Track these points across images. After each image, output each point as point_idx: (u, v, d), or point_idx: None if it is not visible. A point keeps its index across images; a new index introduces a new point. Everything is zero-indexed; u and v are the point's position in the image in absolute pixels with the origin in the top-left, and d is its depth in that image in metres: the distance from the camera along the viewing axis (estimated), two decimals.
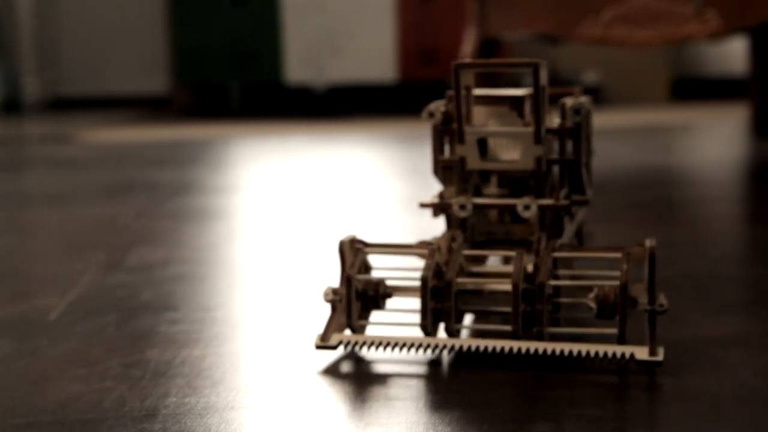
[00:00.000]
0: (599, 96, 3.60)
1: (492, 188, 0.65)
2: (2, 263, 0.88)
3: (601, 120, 2.59)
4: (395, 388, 0.52)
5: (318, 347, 0.57)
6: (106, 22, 3.93)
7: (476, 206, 0.63)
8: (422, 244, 0.60)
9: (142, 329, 0.65)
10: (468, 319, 0.66)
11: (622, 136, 2.09)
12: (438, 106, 0.66)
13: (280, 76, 3.45)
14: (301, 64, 3.45)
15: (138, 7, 3.92)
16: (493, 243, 0.66)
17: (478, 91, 0.65)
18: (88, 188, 1.41)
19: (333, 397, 0.51)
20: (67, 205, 1.25)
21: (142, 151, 1.99)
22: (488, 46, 1.69)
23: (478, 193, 0.65)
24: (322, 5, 3.41)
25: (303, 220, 1.08)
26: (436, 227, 1.01)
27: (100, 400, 0.51)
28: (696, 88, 3.82)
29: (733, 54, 3.73)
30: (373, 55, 3.45)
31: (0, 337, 0.64)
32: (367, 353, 0.59)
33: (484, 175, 0.66)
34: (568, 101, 0.63)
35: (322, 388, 0.52)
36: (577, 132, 0.63)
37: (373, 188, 1.33)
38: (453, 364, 0.56)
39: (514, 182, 0.66)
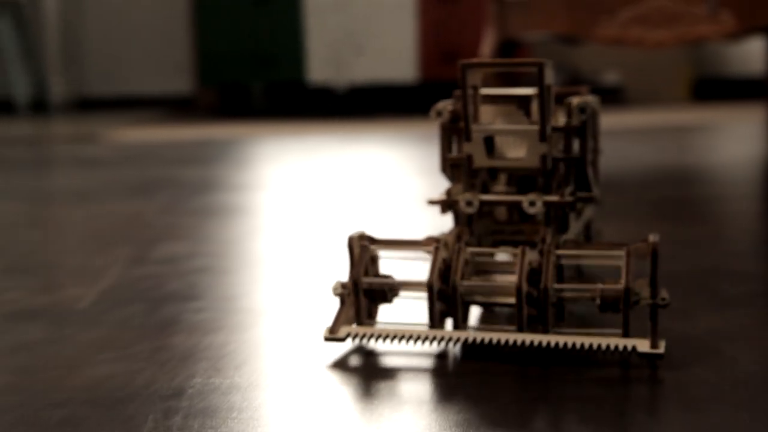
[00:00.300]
0: (619, 96, 3.61)
1: (500, 186, 0.67)
2: (33, 256, 0.92)
3: (621, 120, 2.60)
4: (402, 379, 0.54)
5: (326, 339, 0.59)
6: (131, 24, 3.98)
7: (483, 203, 0.64)
8: (429, 240, 0.62)
9: (168, 317, 0.68)
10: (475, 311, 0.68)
11: (641, 136, 2.11)
12: (446, 105, 0.67)
13: (302, 76, 3.48)
14: (323, 65, 3.48)
15: (162, 9, 3.97)
16: (500, 241, 0.68)
17: (486, 91, 0.67)
18: (114, 186, 1.45)
19: (340, 386, 0.54)
20: (94, 201, 1.28)
21: (167, 150, 2.03)
22: (507, 47, 1.72)
23: (486, 190, 0.67)
24: (344, 6, 3.45)
25: (322, 217, 1.11)
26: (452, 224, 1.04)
27: (130, 380, 0.54)
28: (717, 89, 3.82)
29: (754, 54, 3.73)
30: (394, 55, 3.48)
31: (33, 324, 0.67)
32: (375, 345, 0.61)
33: (493, 174, 0.67)
34: (574, 100, 0.65)
35: (333, 376, 0.55)
36: (583, 130, 0.65)
37: (392, 186, 1.36)
38: (459, 356, 0.58)
39: (522, 180, 0.67)
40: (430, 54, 3.45)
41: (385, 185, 1.37)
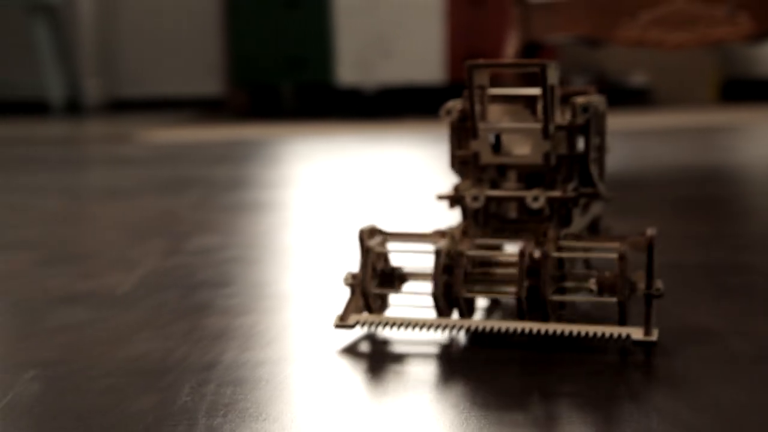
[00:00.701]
0: (647, 97, 3.63)
1: (510, 183, 0.69)
2: (72, 247, 0.97)
3: (648, 121, 2.63)
4: (409, 365, 0.59)
5: (336, 326, 0.62)
6: (164, 27, 4.05)
7: (489, 199, 0.67)
8: (436, 233, 0.65)
9: (201, 302, 0.73)
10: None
11: (667, 136, 2.13)
12: (455, 104, 0.69)
13: (331, 78, 3.53)
14: (352, 67, 3.53)
15: (194, 13, 4.03)
16: (508, 235, 0.70)
17: (494, 91, 0.70)
18: (148, 183, 1.50)
19: (354, 365, 0.58)
20: (129, 198, 1.34)
21: (199, 150, 2.08)
22: (530, 49, 1.75)
23: (495, 187, 0.69)
24: (373, 9, 3.49)
25: (346, 212, 1.16)
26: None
27: (167, 355, 0.59)
28: (746, 90, 3.82)
29: None
30: (422, 57, 3.52)
31: (77, 308, 0.72)
32: (384, 333, 0.64)
33: (502, 171, 0.70)
34: (579, 99, 0.68)
35: (348, 356, 0.59)
36: (586, 129, 0.67)
37: (415, 183, 1.40)
38: (465, 343, 0.62)
39: (529, 177, 0.70)
40: (457, 56, 3.49)
41: (409, 182, 1.41)
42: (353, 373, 0.55)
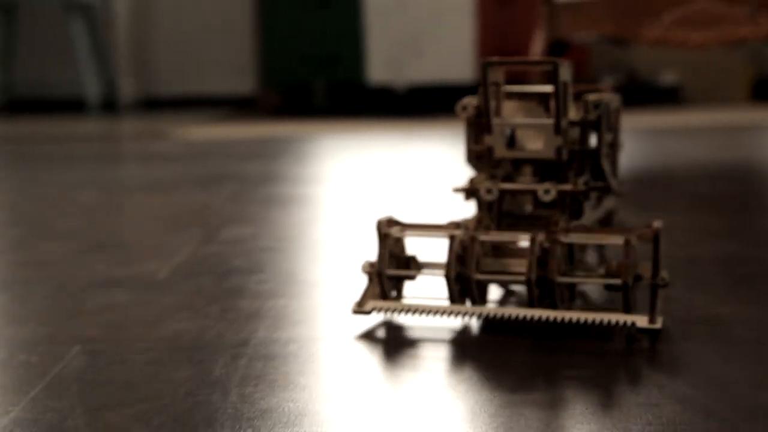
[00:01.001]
0: (677, 96, 3.64)
1: (526, 177, 0.72)
2: (113, 237, 1.02)
3: (677, 119, 2.65)
4: (423, 349, 0.62)
5: (354, 312, 0.65)
6: (198, 26, 4.11)
7: (504, 192, 0.70)
8: (450, 224, 0.67)
9: (235, 286, 0.77)
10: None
11: (696, 135, 2.15)
12: (471, 101, 0.72)
13: (363, 76, 3.57)
14: (383, 65, 3.57)
15: (227, 13, 4.09)
16: (521, 220, 0.72)
17: (510, 88, 0.73)
18: (183, 178, 1.55)
19: (376, 344, 0.62)
20: (165, 192, 1.39)
21: (232, 147, 2.13)
22: (556, 47, 1.78)
23: (511, 181, 0.71)
24: (404, 8, 3.53)
25: (376, 206, 1.19)
26: None
27: (202, 334, 0.63)
28: None
29: None
30: (452, 56, 3.55)
31: (118, 291, 0.76)
32: (400, 319, 0.67)
33: (517, 166, 0.72)
34: (591, 96, 0.71)
35: (373, 336, 0.63)
36: (597, 125, 0.70)
37: (443, 179, 1.44)
38: (477, 330, 0.65)
39: (544, 172, 0.72)
40: (486, 55, 3.52)
41: (436, 178, 1.45)
42: (373, 352, 0.59)
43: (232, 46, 4.10)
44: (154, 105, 4.14)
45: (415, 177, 1.47)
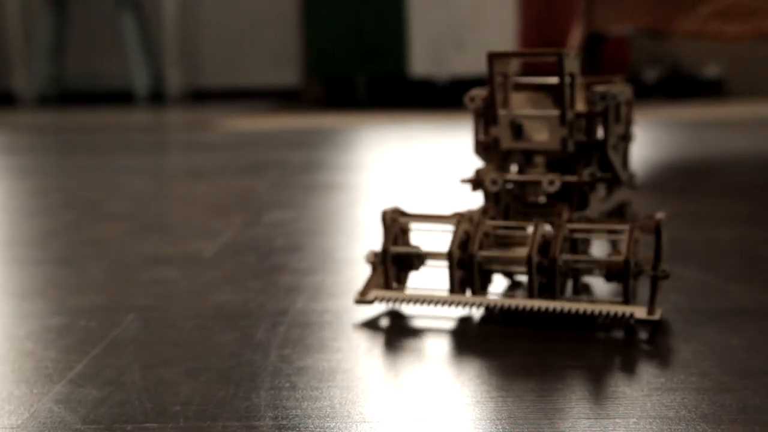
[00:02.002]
0: (721, 89, 3.64)
1: (539, 169, 0.72)
2: (163, 219, 1.07)
3: (720, 112, 2.66)
4: (426, 339, 0.61)
5: (356, 302, 0.66)
6: (243, 20, 4.18)
7: (511, 182, 0.70)
8: (455, 215, 0.67)
9: (277, 264, 0.82)
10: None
11: (738, 127, 2.17)
12: (479, 93, 0.71)
13: (405, 69, 3.61)
14: (425, 58, 3.61)
15: (272, 6, 4.16)
16: (528, 211, 0.72)
17: (518, 79, 0.73)
18: (228, 166, 1.61)
19: (397, 322, 0.66)
20: (211, 178, 1.44)
21: (275, 137, 2.19)
22: (594, 40, 1.82)
23: (521, 172, 0.71)
24: (446, 2, 3.56)
25: (412, 192, 1.24)
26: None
27: (245, 304, 0.68)
28: None
29: None
30: (494, 48, 3.58)
31: (167, 267, 0.82)
32: (406, 309, 0.67)
33: (528, 157, 0.72)
34: (599, 88, 0.70)
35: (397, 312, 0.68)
36: (604, 116, 0.69)
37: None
38: (478, 320, 0.64)
39: (554, 163, 0.72)
40: (529, 48, 3.54)
41: (473, 167, 1.49)
42: (392, 329, 0.64)
43: (277, 39, 4.17)
44: (200, 97, 4.22)
45: (452, 166, 1.52)
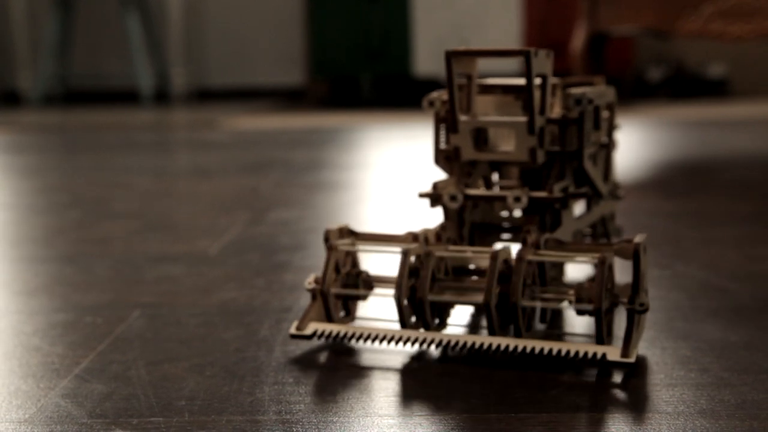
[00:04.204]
0: (725, 88, 3.64)
1: (512, 181, 0.65)
2: (168, 218, 1.08)
3: (725, 112, 2.66)
4: (372, 378, 0.53)
5: (292, 336, 0.57)
6: (248, 19, 4.19)
7: (474, 198, 0.61)
8: (408, 235, 0.60)
9: (280, 262, 0.83)
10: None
11: (740, 127, 2.17)
12: (439, 95, 0.64)
13: (409, 69, 3.62)
14: (429, 58, 3.62)
15: (277, 6, 4.16)
16: (495, 231, 0.65)
17: (488, 81, 0.65)
18: (232, 164, 1.62)
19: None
20: (215, 177, 1.45)
21: (280, 136, 2.20)
22: (597, 40, 1.82)
23: (488, 184, 0.64)
24: (450, 2, 3.57)
25: (414, 191, 1.25)
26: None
27: (250, 301, 0.69)
28: None
29: None
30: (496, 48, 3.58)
31: (172, 265, 0.83)
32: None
33: (497, 168, 0.65)
34: (573, 91, 0.61)
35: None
36: (580, 122, 0.61)
37: None
38: (430, 357, 0.56)
39: (526, 176, 0.63)
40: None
41: None
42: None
43: (282, 39, 4.17)
44: (205, 96, 4.22)
45: None
